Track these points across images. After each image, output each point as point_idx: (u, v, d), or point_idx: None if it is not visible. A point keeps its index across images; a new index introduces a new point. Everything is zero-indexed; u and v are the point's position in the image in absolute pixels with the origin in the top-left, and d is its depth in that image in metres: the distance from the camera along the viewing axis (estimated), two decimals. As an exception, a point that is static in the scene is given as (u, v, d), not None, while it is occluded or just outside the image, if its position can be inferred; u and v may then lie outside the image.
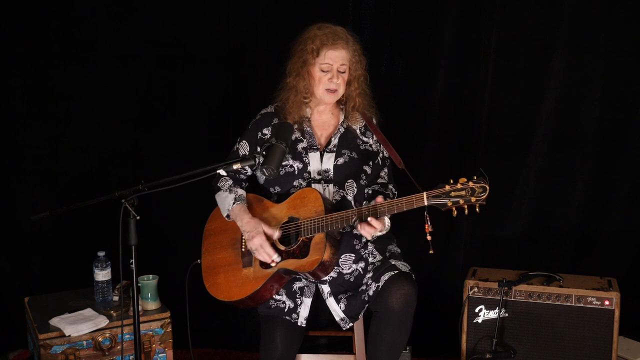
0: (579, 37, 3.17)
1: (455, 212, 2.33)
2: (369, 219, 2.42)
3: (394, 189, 2.73)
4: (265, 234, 2.51)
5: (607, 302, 2.82)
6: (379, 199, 2.45)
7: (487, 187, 2.30)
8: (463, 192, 2.31)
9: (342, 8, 3.23)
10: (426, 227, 2.35)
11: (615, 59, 3.16)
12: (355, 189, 2.65)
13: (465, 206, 2.32)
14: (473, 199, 2.30)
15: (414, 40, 3.30)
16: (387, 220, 2.53)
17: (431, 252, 2.35)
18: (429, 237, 2.35)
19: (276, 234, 2.52)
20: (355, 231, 2.58)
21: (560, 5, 3.15)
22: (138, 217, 2.22)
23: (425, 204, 2.34)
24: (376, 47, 3.26)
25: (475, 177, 2.32)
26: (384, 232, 2.56)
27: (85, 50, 3.29)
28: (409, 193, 2.39)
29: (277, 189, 2.66)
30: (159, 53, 3.31)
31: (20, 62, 3.26)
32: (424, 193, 2.34)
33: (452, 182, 2.33)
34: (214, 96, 3.38)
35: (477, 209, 2.31)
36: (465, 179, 2.32)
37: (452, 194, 2.31)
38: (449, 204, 2.32)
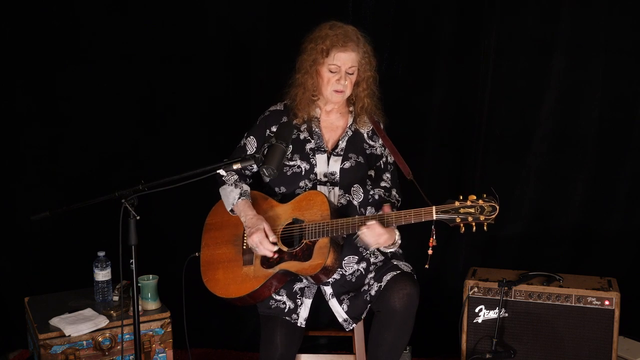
0: (579, 37, 3.17)
1: (463, 229, 2.33)
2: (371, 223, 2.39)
3: (397, 196, 2.71)
4: (266, 233, 2.51)
5: (607, 302, 2.81)
6: (386, 208, 2.43)
7: (497, 207, 2.28)
8: (472, 210, 2.30)
9: (342, 8, 3.22)
10: (430, 241, 2.34)
11: (615, 59, 3.16)
12: (362, 195, 2.65)
13: (474, 224, 2.31)
14: (482, 218, 2.29)
15: (414, 40, 3.30)
16: (397, 237, 2.52)
17: (426, 267, 2.35)
18: (430, 252, 2.34)
19: (272, 238, 2.51)
20: (357, 242, 2.55)
21: (560, 5, 3.15)
22: (138, 217, 2.22)
23: (434, 218, 2.33)
24: (376, 47, 3.24)
25: (485, 196, 2.30)
26: (393, 249, 2.55)
27: (85, 50, 3.29)
28: (417, 204, 2.38)
29: (283, 189, 2.65)
30: (159, 53, 3.31)
31: (21, 62, 3.26)
32: (433, 207, 2.33)
33: (461, 198, 2.32)
34: (214, 96, 3.37)
35: (485, 228, 2.30)
36: (474, 197, 2.31)
37: (461, 210, 2.30)
38: (458, 220, 2.31)
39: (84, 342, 2.71)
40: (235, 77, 3.36)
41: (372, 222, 2.40)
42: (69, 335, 2.68)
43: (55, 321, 2.73)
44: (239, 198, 2.61)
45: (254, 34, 3.33)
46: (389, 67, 3.29)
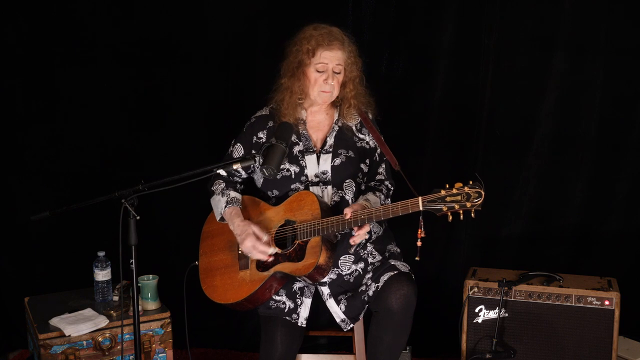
0: (579, 37, 3.17)
1: (451, 218, 2.32)
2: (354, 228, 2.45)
3: (389, 185, 2.72)
4: (256, 235, 2.51)
5: (607, 302, 2.81)
6: (347, 210, 2.43)
7: (483, 192, 2.28)
8: (458, 197, 2.29)
9: (342, 8, 3.22)
10: (419, 232, 2.34)
11: (615, 59, 3.16)
12: (354, 188, 2.65)
13: (461, 211, 2.30)
14: (468, 204, 2.28)
15: (414, 40, 3.30)
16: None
17: (417, 258, 2.35)
18: (419, 243, 2.34)
19: (265, 238, 2.51)
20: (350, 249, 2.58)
21: (560, 5, 3.15)
22: (138, 217, 2.22)
23: (421, 209, 2.33)
24: (376, 47, 3.26)
25: (470, 182, 2.30)
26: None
27: (86, 50, 3.29)
28: (405, 196, 2.38)
29: (275, 192, 2.65)
30: (159, 53, 3.31)
31: (20, 62, 3.26)
32: (420, 198, 2.33)
33: (447, 186, 2.32)
34: (214, 96, 3.37)
35: (472, 214, 2.30)
36: (460, 184, 2.31)
37: (448, 199, 2.30)
38: (444, 209, 2.31)
39: (84, 342, 2.71)
40: (235, 78, 3.36)
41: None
42: (69, 335, 2.68)
43: (55, 321, 2.73)
44: (226, 206, 2.61)
45: (254, 34, 3.33)
46: (389, 67, 3.29)
